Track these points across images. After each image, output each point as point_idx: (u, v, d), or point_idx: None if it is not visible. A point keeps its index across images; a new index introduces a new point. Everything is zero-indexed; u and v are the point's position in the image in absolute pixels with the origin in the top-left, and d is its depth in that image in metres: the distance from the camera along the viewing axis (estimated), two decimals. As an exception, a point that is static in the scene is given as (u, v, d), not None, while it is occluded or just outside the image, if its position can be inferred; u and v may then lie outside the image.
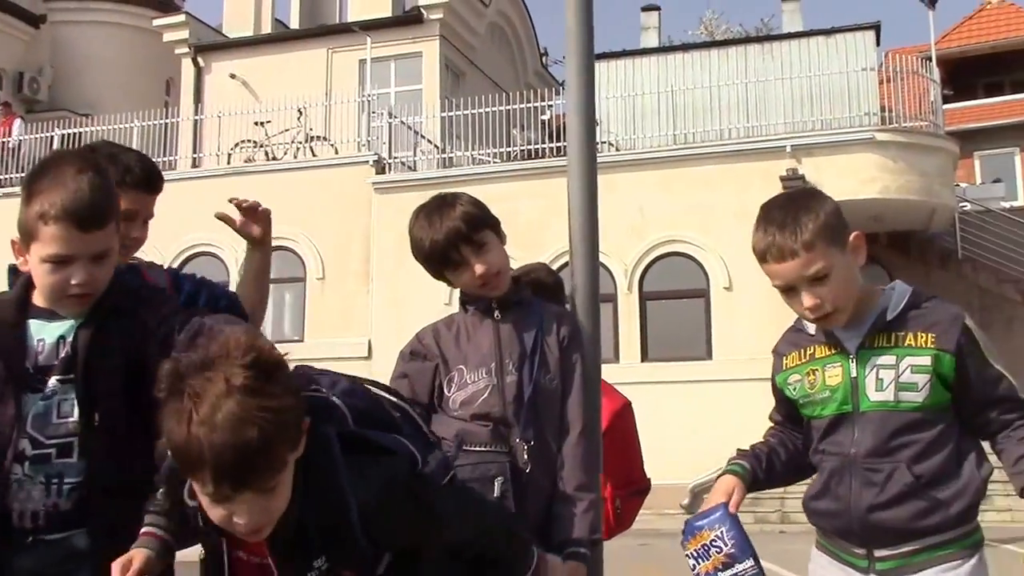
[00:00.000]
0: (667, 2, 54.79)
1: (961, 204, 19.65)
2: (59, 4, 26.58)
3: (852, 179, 16.77)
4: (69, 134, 20.31)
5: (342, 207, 18.18)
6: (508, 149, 18.40)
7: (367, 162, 18.50)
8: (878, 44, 19.88)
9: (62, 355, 2.21)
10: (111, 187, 2.26)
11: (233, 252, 18.41)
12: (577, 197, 2.88)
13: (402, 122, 19.07)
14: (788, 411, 2.60)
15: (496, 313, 2.71)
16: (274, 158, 19.38)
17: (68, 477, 2.18)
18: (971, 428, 2.40)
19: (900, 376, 2.34)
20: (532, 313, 2.73)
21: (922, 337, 2.35)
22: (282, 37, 23.90)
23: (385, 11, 23.27)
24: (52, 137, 20.36)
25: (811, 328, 2.49)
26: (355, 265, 18.23)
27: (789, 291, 2.38)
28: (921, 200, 17.32)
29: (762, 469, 2.55)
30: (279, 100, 19.42)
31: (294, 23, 25.09)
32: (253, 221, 2.98)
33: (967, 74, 24.41)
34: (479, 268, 2.66)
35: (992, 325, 19.33)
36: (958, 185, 20.07)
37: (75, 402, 2.19)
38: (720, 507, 2.41)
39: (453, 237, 2.66)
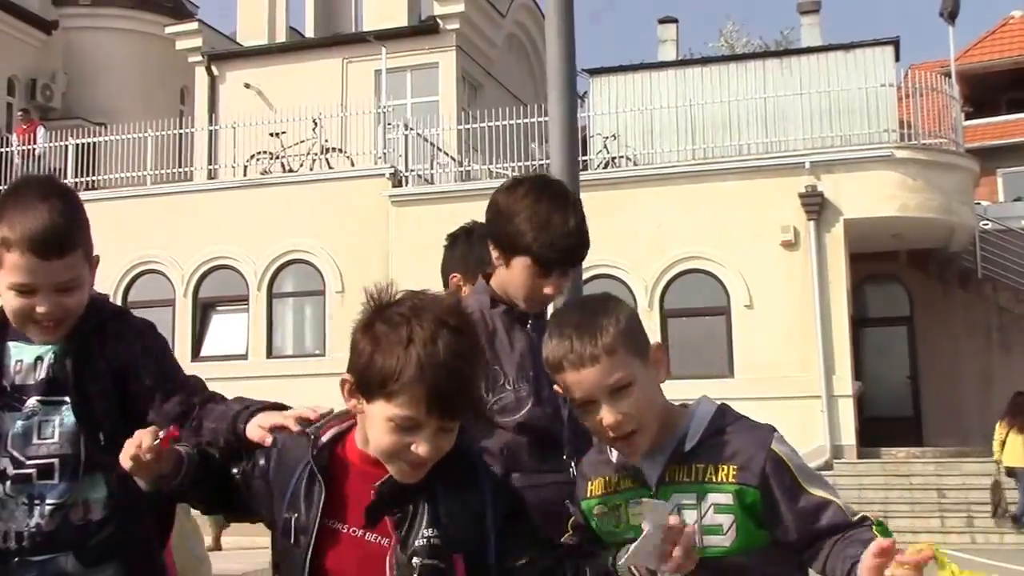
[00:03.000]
0: (685, 15, 54.73)
1: (982, 223, 19.54)
2: (70, 10, 26.37)
3: (871, 196, 16.71)
4: (84, 144, 20.18)
5: (359, 220, 18.02)
6: (527, 163, 18.21)
7: (384, 175, 18.35)
8: (897, 59, 19.74)
9: (41, 375, 2.19)
10: (76, 214, 2.18)
11: (252, 265, 18.29)
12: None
13: (418, 134, 18.94)
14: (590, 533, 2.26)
15: (529, 324, 2.64)
16: (290, 170, 19.20)
17: (49, 498, 2.15)
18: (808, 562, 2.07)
19: (703, 518, 2.03)
20: None
21: (723, 470, 2.04)
22: (296, 46, 23.72)
23: (401, 21, 23.10)
24: (67, 146, 20.21)
25: (613, 455, 2.18)
26: (375, 278, 17.91)
27: (587, 405, 2.07)
28: (940, 218, 17.23)
29: None
30: (294, 110, 19.25)
31: (308, 32, 24.91)
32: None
33: (990, 90, 24.25)
34: (549, 290, 2.59)
35: (1012, 346, 19.23)
36: (978, 204, 19.95)
37: (57, 424, 2.17)
38: None
39: (576, 249, 2.63)
